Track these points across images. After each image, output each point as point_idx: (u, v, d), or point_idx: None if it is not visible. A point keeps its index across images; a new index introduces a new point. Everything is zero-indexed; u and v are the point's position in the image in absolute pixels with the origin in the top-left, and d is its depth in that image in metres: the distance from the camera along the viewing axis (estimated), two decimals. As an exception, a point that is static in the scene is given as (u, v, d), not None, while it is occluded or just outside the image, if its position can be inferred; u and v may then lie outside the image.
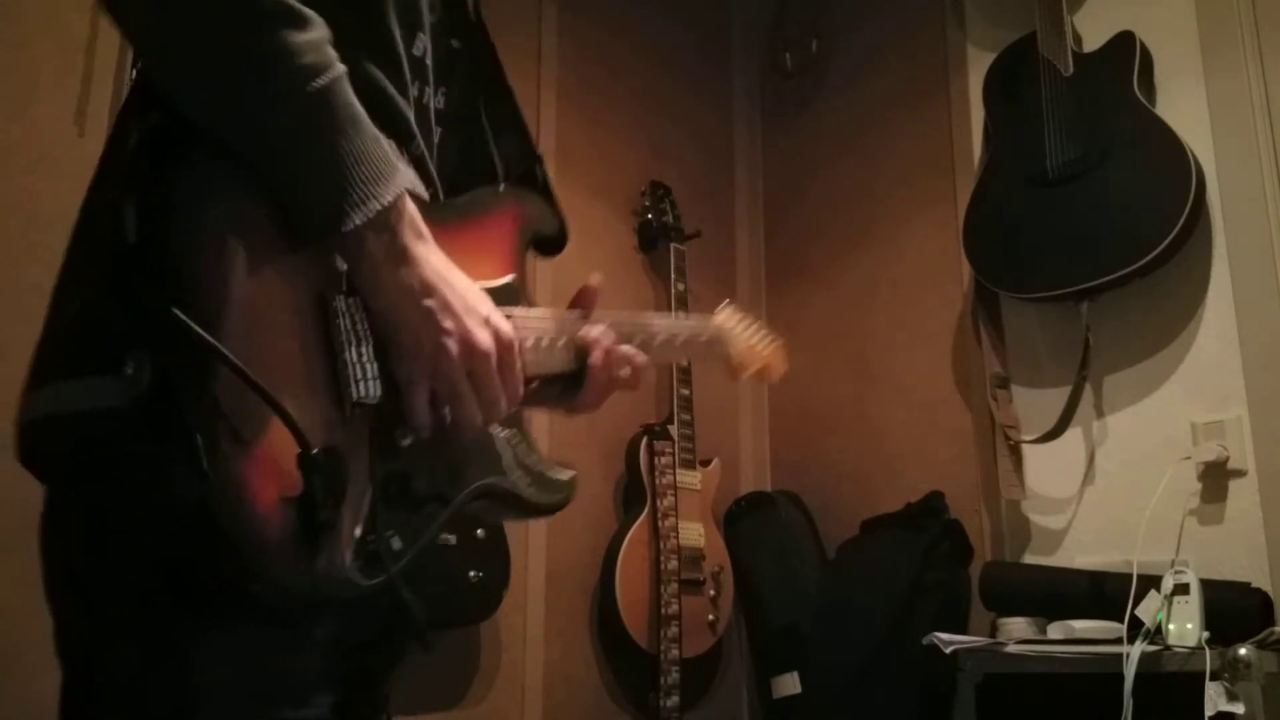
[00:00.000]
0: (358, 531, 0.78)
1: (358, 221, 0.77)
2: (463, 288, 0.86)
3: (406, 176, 0.83)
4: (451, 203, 1.00)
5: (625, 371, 1.08)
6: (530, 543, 2.62)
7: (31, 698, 1.82)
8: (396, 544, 0.81)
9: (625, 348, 1.08)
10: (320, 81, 0.76)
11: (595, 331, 1.05)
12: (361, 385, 0.81)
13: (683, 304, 2.94)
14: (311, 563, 0.74)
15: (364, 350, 0.82)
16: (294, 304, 0.78)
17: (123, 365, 0.70)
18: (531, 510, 1.02)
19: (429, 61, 0.99)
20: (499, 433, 0.98)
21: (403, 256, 0.82)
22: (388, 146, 0.83)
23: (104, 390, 0.74)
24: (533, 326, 1.01)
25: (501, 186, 1.07)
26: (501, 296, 0.98)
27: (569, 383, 1.06)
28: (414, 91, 0.96)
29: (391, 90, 0.92)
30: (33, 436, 0.81)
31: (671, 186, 3.06)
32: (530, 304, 1.04)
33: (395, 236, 0.81)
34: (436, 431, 0.86)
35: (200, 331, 0.69)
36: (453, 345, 0.84)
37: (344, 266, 0.82)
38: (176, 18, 0.75)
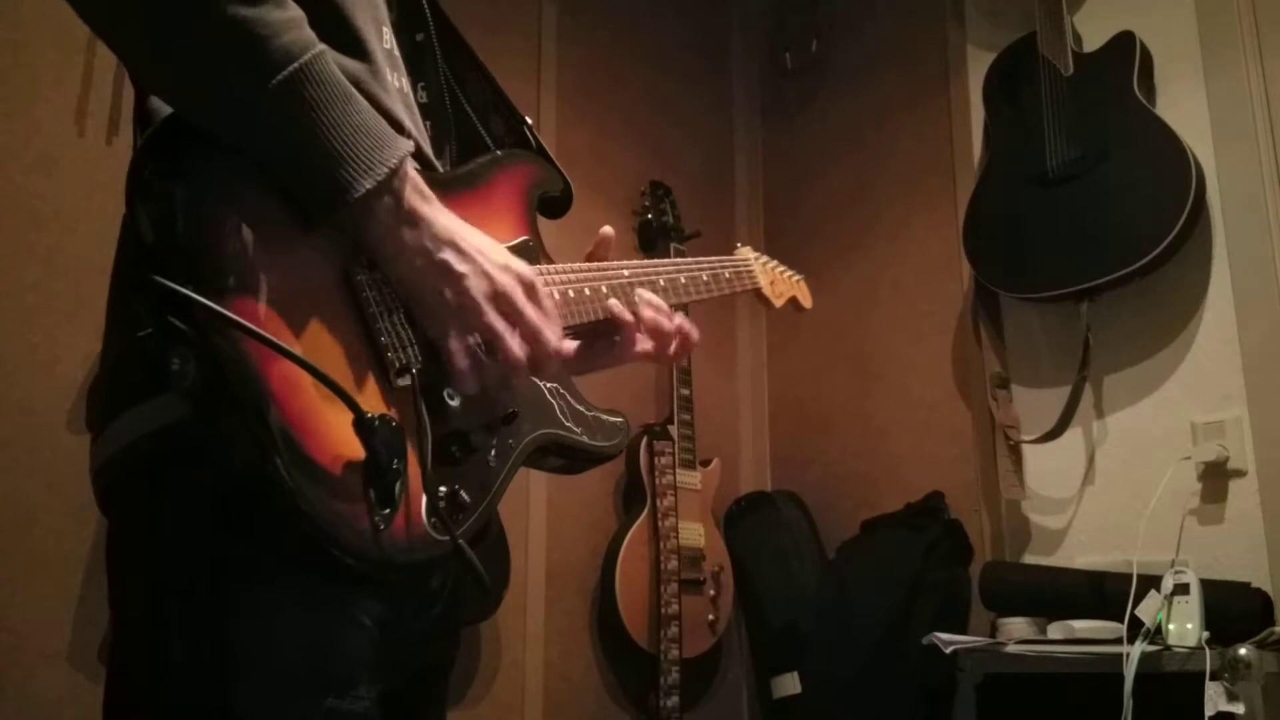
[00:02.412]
0: (426, 491, 0.80)
1: (367, 186, 0.78)
2: (474, 239, 0.87)
3: (407, 143, 0.84)
4: (453, 173, 1.01)
5: (648, 313, 1.10)
6: (530, 543, 2.62)
7: (31, 698, 1.82)
8: (465, 498, 0.84)
9: (647, 294, 1.11)
10: (306, 57, 0.76)
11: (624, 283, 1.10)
12: (400, 352, 0.83)
13: (683, 305, 2.93)
14: (390, 525, 0.76)
15: (396, 319, 0.84)
16: (320, 284, 0.80)
17: (168, 363, 0.71)
18: (591, 456, 1.03)
19: (397, 54, 1.00)
20: (545, 385, 1.00)
21: (410, 218, 0.83)
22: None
23: (161, 409, 0.76)
24: (558, 281, 1.02)
25: (500, 151, 1.08)
26: (517, 256, 0.99)
27: (605, 334, 1.09)
28: (394, 82, 0.97)
29: (371, 85, 0.92)
30: (106, 480, 0.83)
31: (671, 187, 3.06)
32: (549, 262, 1.05)
33: (400, 200, 0.82)
34: (484, 381, 0.87)
35: (218, 308, 0.70)
36: (475, 290, 0.85)
37: (365, 251, 0.82)
38: (148, 18, 0.74)
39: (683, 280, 1.21)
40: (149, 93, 0.84)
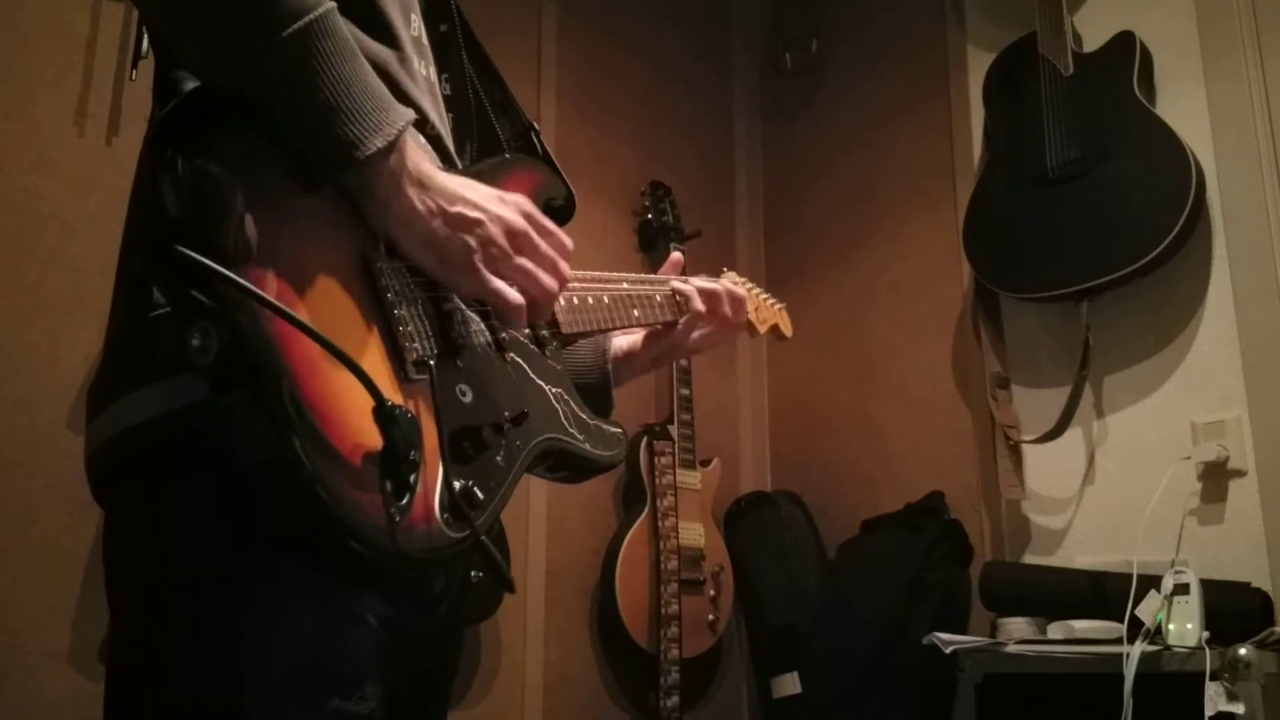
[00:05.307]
0: (440, 485, 0.79)
1: (378, 145, 0.77)
2: (472, 188, 0.87)
3: (409, 110, 0.83)
4: (460, 172, 1.00)
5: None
6: (530, 543, 2.62)
7: (31, 698, 1.82)
8: (479, 495, 0.82)
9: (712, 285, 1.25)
10: (320, 10, 0.76)
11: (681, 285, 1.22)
12: (418, 343, 0.82)
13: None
14: (407, 516, 0.75)
15: (415, 310, 0.83)
16: (338, 268, 0.78)
17: (188, 339, 0.69)
18: (591, 465, 1.04)
19: (425, 42, 1.00)
20: (550, 390, 1.00)
21: (417, 179, 0.83)
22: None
23: (166, 394, 0.75)
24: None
25: (507, 155, 1.09)
26: None
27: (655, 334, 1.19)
28: (421, 70, 0.96)
29: (398, 72, 0.92)
30: (101, 467, 0.82)
31: (671, 187, 3.06)
32: None
33: (405, 160, 0.82)
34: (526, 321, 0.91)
35: (246, 283, 0.69)
36: (496, 235, 0.86)
37: (377, 224, 0.82)
38: None
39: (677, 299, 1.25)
40: (163, 40, 0.83)
